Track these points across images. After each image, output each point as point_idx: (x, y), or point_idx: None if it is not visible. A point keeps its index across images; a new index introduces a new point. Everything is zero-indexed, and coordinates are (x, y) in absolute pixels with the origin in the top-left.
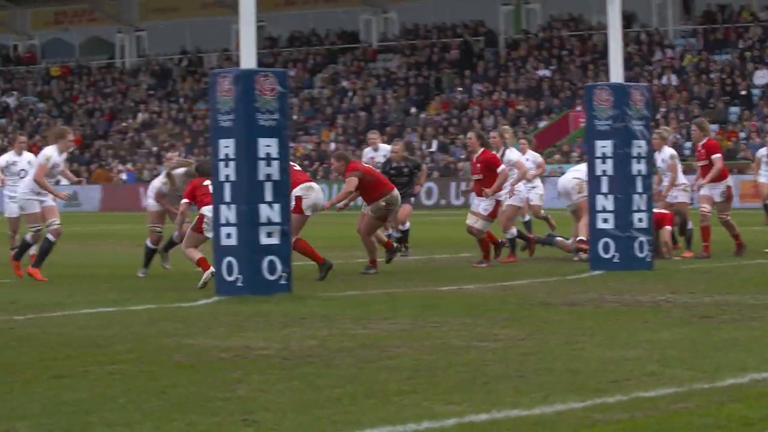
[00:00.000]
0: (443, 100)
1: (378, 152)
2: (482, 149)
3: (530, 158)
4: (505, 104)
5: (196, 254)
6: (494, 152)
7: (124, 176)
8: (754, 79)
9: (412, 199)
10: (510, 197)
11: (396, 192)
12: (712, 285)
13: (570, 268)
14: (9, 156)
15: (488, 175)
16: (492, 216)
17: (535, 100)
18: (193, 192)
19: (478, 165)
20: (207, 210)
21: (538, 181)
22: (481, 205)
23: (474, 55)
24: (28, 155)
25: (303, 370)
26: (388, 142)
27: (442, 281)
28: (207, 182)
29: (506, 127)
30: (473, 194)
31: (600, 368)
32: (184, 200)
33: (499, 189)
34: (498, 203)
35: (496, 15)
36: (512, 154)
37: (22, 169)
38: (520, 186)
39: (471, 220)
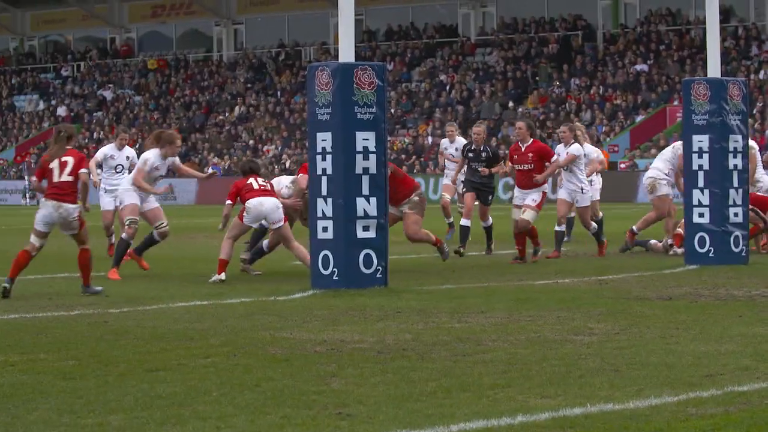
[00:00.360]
0: (541, 94)
1: (453, 144)
2: (532, 139)
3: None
4: (603, 99)
5: (226, 253)
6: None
7: (211, 170)
8: None
9: (490, 197)
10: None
11: (421, 188)
12: None
13: (665, 262)
14: (108, 149)
15: (540, 165)
16: (540, 207)
17: (632, 94)
18: (238, 193)
19: (530, 155)
20: (252, 202)
21: (597, 176)
22: (530, 196)
23: (572, 50)
24: (128, 151)
25: (398, 363)
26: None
27: (536, 275)
28: (250, 180)
29: (579, 123)
30: (516, 188)
31: (694, 362)
32: (228, 202)
33: (547, 179)
34: (544, 194)
35: (594, 9)
36: (576, 148)
37: (119, 164)
38: (588, 186)
39: (519, 215)
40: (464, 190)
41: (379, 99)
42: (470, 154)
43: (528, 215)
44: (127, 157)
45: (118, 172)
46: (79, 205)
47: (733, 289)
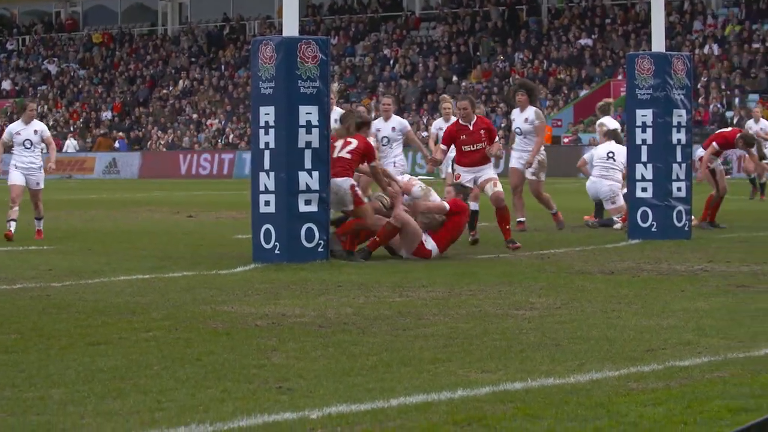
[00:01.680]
0: (484, 68)
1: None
2: (476, 116)
3: None
4: (546, 73)
5: None
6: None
7: (117, 144)
8: None
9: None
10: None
11: None
12: (750, 254)
13: (608, 236)
14: (15, 126)
15: (489, 141)
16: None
17: (576, 68)
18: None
19: (482, 132)
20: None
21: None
22: (487, 171)
23: (517, 24)
24: (36, 125)
25: (338, 337)
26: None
27: (479, 249)
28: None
29: (446, 95)
30: (464, 168)
31: (635, 337)
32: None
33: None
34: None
35: None
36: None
37: (27, 140)
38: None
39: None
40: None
41: (322, 73)
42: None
43: (500, 186)
44: (35, 131)
45: (27, 148)
46: (349, 179)
47: (676, 263)
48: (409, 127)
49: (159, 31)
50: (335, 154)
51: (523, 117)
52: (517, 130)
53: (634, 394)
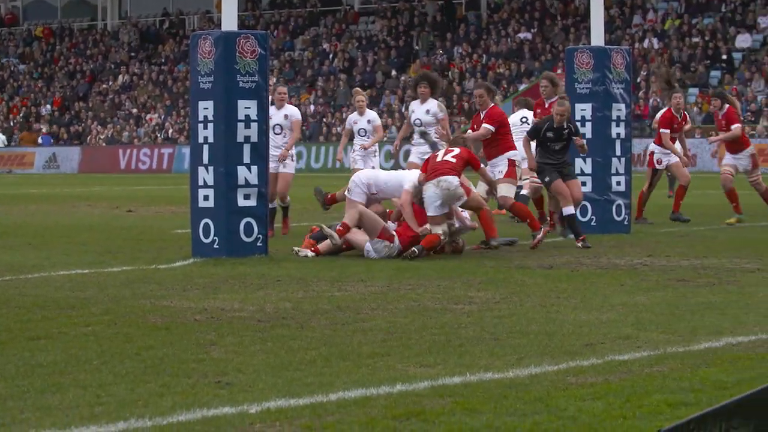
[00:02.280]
0: (423, 62)
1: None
2: (492, 104)
3: (371, 119)
4: (485, 67)
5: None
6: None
7: (40, 140)
8: (735, 42)
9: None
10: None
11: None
12: (690, 248)
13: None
14: None
15: (500, 131)
16: (512, 175)
17: (515, 62)
18: None
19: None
20: None
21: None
22: (497, 168)
23: (455, 18)
24: None
25: (277, 332)
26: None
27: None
28: None
29: (359, 88)
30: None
31: (575, 331)
32: None
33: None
34: (511, 161)
35: None
36: (373, 115)
37: None
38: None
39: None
40: (548, 180)
41: (261, 67)
42: (550, 134)
43: (503, 190)
44: None
45: None
46: (456, 177)
47: (615, 258)
48: (298, 117)
49: (99, 25)
50: (438, 159)
51: (424, 109)
52: (417, 122)
53: (573, 388)
